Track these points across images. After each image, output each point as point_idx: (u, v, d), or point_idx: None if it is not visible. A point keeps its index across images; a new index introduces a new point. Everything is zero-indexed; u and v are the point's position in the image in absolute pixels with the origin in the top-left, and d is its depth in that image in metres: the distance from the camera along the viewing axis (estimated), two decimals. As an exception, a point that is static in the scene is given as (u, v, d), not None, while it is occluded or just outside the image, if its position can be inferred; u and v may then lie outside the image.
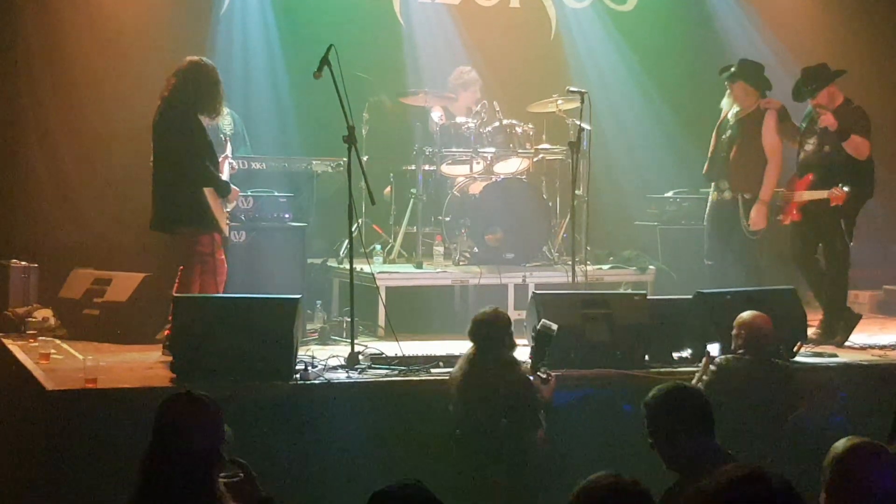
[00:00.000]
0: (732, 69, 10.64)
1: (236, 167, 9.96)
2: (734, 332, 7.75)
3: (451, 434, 7.40)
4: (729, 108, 10.72)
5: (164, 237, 9.50)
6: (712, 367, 7.60)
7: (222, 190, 9.10)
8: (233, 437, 5.50)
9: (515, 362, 7.42)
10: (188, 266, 8.98)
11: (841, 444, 4.57)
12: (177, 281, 8.99)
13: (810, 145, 10.29)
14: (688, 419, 5.33)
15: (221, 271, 9.09)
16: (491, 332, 7.39)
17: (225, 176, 9.36)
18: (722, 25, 13.93)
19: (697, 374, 7.71)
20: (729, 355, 7.67)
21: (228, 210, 9.38)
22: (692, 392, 5.66)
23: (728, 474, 2.76)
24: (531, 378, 7.36)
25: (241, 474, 4.97)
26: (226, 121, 10.99)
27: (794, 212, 10.27)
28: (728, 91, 10.70)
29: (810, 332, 9.68)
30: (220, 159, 9.37)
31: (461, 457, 7.33)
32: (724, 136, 10.68)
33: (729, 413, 7.30)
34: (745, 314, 7.79)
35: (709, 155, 10.83)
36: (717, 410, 7.30)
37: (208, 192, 8.96)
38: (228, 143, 9.96)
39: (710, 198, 10.85)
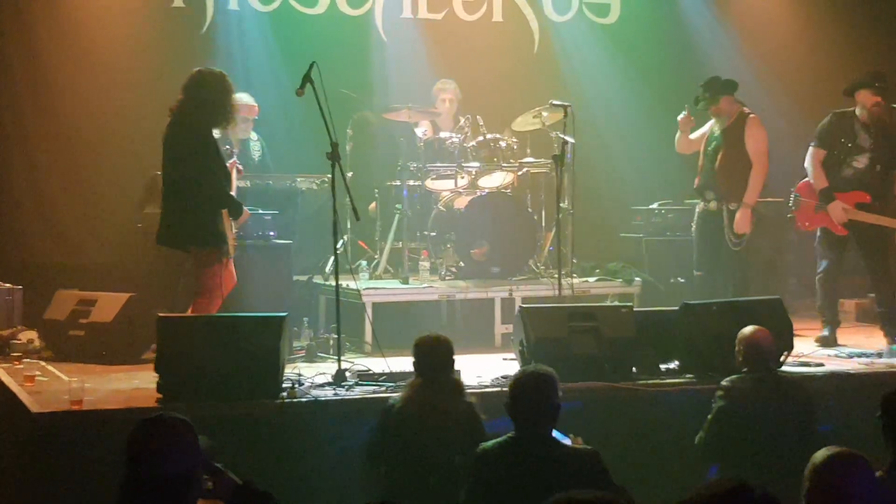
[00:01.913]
0: (706, 94, 10.64)
1: (241, 170, 9.95)
2: (736, 349, 7.67)
3: (370, 466, 7.12)
4: (713, 125, 10.78)
5: (149, 257, 9.48)
6: (719, 392, 7.51)
7: (235, 212, 9.03)
8: (210, 445, 5.45)
9: (461, 390, 7.09)
10: (201, 287, 8.89)
11: (820, 454, 4.60)
12: (193, 301, 8.91)
13: (861, 162, 10.36)
14: None
15: (224, 294, 9.02)
16: (433, 357, 7.06)
17: (234, 183, 9.35)
18: (702, 35, 13.98)
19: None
20: (733, 376, 7.58)
21: (235, 231, 9.33)
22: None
23: (712, 488, 2.75)
24: (474, 406, 6.97)
25: (210, 483, 4.92)
26: (255, 147, 11.08)
27: (838, 226, 10.35)
28: (715, 114, 10.71)
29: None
30: (227, 165, 9.39)
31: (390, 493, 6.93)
32: (709, 149, 10.72)
33: (747, 436, 7.29)
34: (745, 329, 7.69)
35: (699, 170, 10.86)
36: (735, 436, 7.30)
37: (224, 213, 8.92)
38: (235, 153, 9.95)
39: (697, 208, 10.87)
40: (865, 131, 10.34)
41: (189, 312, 8.83)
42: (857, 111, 10.39)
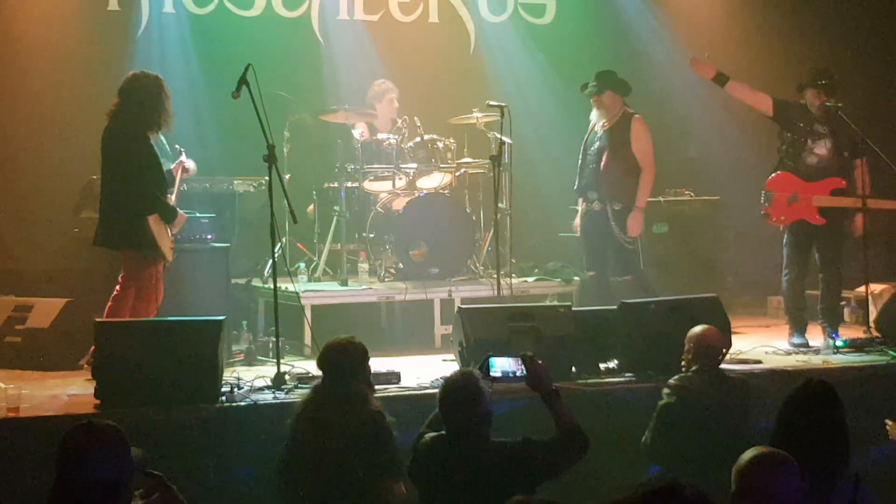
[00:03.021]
0: (594, 83, 10.68)
1: (191, 170, 9.86)
2: (685, 347, 7.71)
3: (278, 469, 6.80)
4: (597, 121, 10.77)
5: (85, 261, 9.41)
6: (666, 390, 7.53)
7: (167, 216, 9.00)
8: (143, 457, 5.42)
9: (366, 398, 6.70)
10: (124, 287, 8.89)
11: (747, 454, 4.64)
12: (110, 300, 8.89)
13: (823, 148, 10.29)
14: None
15: (158, 298, 9.00)
16: (340, 361, 6.75)
17: (177, 182, 9.31)
18: (637, 35, 14.05)
19: None
20: (681, 374, 7.61)
21: (174, 235, 9.27)
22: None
23: (643, 488, 2.77)
24: (385, 416, 6.63)
25: (157, 494, 4.91)
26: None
27: (816, 216, 10.23)
28: (596, 105, 10.72)
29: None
30: (172, 167, 9.34)
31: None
32: (592, 149, 10.72)
33: (694, 434, 7.30)
34: (695, 328, 7.73)
35: (578, 170, 10.86)
36: (683, 434, 7.33)
37: (154, 218, 8.88)
38: (183, 152, 9.88)
39: (579, 208, 10.84)
40: (819, 122, 10.32)
41: (109, 303, 8.88)
42: (808, 105, 10.38)
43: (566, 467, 6.11)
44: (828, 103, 10.21)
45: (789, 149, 10.37)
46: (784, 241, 10.50)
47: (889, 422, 6.50)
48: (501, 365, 6.35)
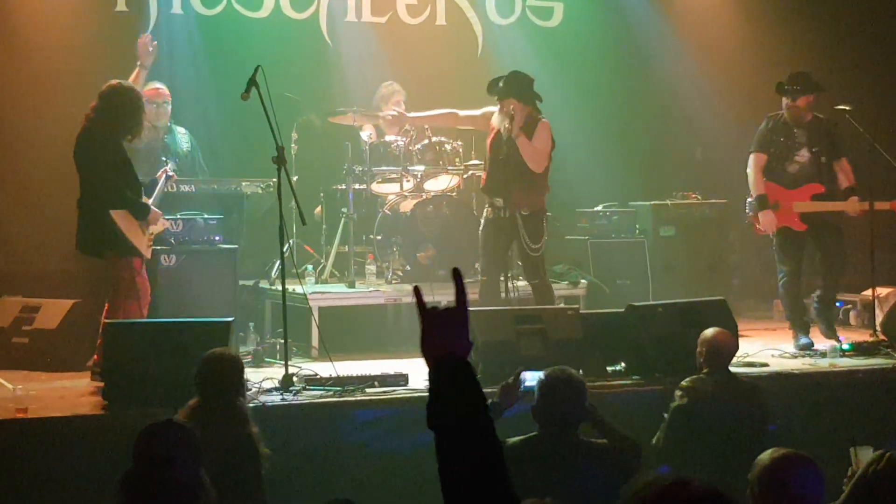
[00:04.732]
0: (501, 84, 10.29)
1: (175, 176, 9.88)
2: (697, 350, 7.73)
3: None
4: (500, 124, 10.32)
5: (91, 262, 9.44)
6: (678, 392, 7.55)
7: (138, 213, 9.02)
8: None
9: (247, 419, 6.42)
10: (113, 291, 8.94)
11: (766, 456, 4.63)
12: (105, 306, 8.94)
13: (803, 156, 10.37)
14: None
15: (144, 295, 9.02)
16: (218, 376, 6.47)
17: (159, 187, 9.33)
18: (644, 38, 14.04)
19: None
20: (692, 377, 7.62)
21: (152, 233, 9.29)
22: None
23: (655, 485, 2.78)
24: (254, 440, 6.32)
25: None
26: (183, 140, 11.03)
27: (797, 221, 10.29)
28: (500, 107, 10.28)
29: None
30: (157, 174, 9.45)
31: None
32: (500, 157, 10.28)
33: (705, 436, 7.32)
34: (707, 331, 7.75)
35: (485, 169, 10.60)
36: (693, 436, 7.33)
37: (121, 215, 8.89)
38: (170, 163, 9.90)
39: (485, 213, 10.52)
40: (797, 128, 10.38)
41: (105, 308, 8.89)
42: (784, 112, 10.44)
43: (635, 472, 6.22)
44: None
45: (771, 161, 10.48)
46: (773, 247, 10.57)
47: (854, 449, 5.80)
48: (531, 380, 6.43)
